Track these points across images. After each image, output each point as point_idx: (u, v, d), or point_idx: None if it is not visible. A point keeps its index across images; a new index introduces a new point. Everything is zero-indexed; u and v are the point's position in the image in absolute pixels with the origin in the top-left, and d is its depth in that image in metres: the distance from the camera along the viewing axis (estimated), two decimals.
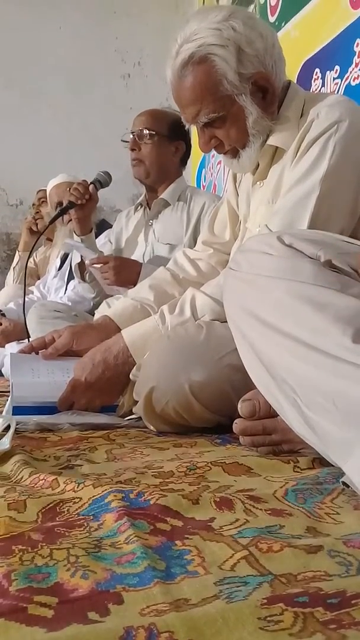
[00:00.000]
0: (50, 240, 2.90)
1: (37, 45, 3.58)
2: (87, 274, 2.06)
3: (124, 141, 1.98)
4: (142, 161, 1.95)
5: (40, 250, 3.05)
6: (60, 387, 1.20)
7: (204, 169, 3.35)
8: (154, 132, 1.92)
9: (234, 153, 1.21)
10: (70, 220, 2.21)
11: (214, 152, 1.25)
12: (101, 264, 1.85)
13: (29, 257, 2.03)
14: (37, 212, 2.97)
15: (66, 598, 0.44)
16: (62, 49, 3.61)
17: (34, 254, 3.03)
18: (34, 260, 3.03)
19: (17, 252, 3.09)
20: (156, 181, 2.01)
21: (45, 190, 2.66)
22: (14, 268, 3.05)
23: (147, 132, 1.92)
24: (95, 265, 1.86)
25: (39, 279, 2.85)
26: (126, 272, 1.80)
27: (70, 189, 1.96)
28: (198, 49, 1.12)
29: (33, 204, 3.04)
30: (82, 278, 2.11)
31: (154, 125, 1.93)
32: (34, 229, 2.98)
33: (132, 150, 1.95)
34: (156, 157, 1.95)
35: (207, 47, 1.11)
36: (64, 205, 1.97)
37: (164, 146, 1.95)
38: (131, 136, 1.96)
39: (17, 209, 3.67)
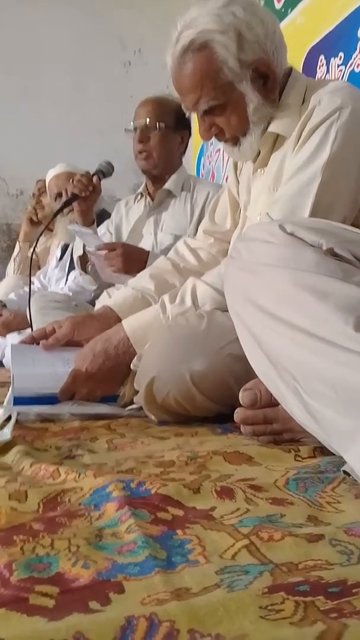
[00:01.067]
0: (50, 230, 2.89)
1: (36, 34, 3.55)
2: (89, 266, 2.05)
3: (127, 130, 1.96)
4: (150, 153, 1.93)
5: (40, 241, 3.04)
6: (61, 378, 1.20)
7: (203, 157, 3.33)
8: (162, 125, 1.90)
9: (235, 141, 1.20)
10: (71, 210, 2.20)
11: (213, 140, 1.24)
12: (108, 251, 1.82)
13: (33, 249, 2.01)
14: (37, 203, 2.96)
15: (67, 588, 0.44)
16: (62, 36, 3.58)
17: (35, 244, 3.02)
18: (34, 250, 3.02)
19: (17, 242, 3.08)
20: (163, 172, 1.99)
21: (44, 180, 2.65)
22: (14, 259, 3.04)
23: (156, 123, 1.89)
24: (100, 252, 1.83)
25: (39, 269, 2.85)
26: (134, 260, 1.77)
27: (73, 180, 1.94)
28: (198, 36, 1.10)
29: (33, 194, 3.03)
30: (84, 269, 2.10)
31: (161, 116, 1.90)
32: (34, 219, 2.97)
33: (140, 142, 1.92)
34: (164, 148, 1.93)
35: (207, 34, 1.10)
36: (68, 196, 1.95)
37: (170, 137, 1.93)
38: (132, 124, 1.93)
39: (17, 199, 3.66)
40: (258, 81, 1.14)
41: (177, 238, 1.89)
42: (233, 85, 1.13)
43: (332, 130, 1.08)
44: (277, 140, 1.20)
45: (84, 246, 1.97)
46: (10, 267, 3.06)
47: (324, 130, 1.08)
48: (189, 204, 1.99)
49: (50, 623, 0.39)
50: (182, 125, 1.94)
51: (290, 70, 1.22)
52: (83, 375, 1.19)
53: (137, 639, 0.37)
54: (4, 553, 0.50)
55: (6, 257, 3.41)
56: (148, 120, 1.91)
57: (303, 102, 1.16)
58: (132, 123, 1.96)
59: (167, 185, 2.01)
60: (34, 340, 1.33)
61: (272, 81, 1.15)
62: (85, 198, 1.92)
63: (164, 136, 1.92)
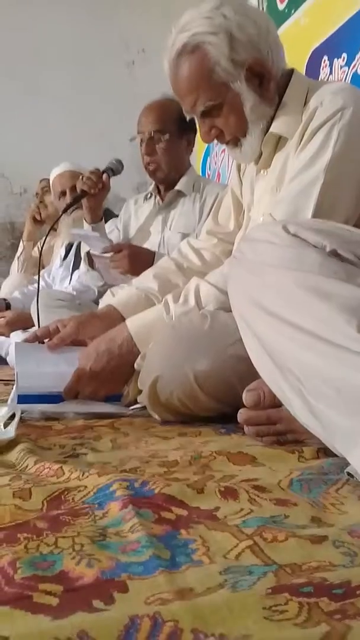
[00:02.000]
0: (54, 230, 2.89)
1: (40, 33, 3.56)
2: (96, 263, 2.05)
3: (131, 139, 1.96)
4: (158, 164, 1.93)
5: (43, 239, 3.04)
6: (65, 377, 1.20)
7: (208, 158, 3.33)
8: (167, 136, 1.89)
9: (236, 142, 1.20)
10: (75, 209, 2.20)
11: (215, 141, 1.25)
12: (113, 253, 1.82)
13: (41, 248, 2.01)
14: (41, 202, 2.96)
15: (71, 586, 0.44)
16: (65, 36, 3.58)
17: (38, 243, 3.03)
18: (38, 249, 3.03)
19: (21, 241, 3.09)
20: (173, 178, 2.00)
21: (48, 179, 2.65)
22: (18, 258, 3.04)
23: (161, 136, 1.89)
24: (106, 254, 1.83)
25: (43, 268, 2.85)
26: (140, 261, 1.77)
27: (83, 177, 1.94)
28: (190, 39, 1.13)
29: (36, 194, 3.03)
30: (91, 266, 2.09)
31: (164, 125, 1.90)
32: (38, 218, 2.97)
33: (147, 154, 1.92)
34: (171, 157, 1.93)
35: (199, 36, 1.12)
36: (78, 193, 1.95)
37: (177, 143, 1.93)
38: (137, 135, 1.93)
39: (21, 197, 3.66)
40: (253, 80, 1.15)
41: (184, 237, 1.89)
42: (228, 85, 1.15)
43: (334, 131, 1.08)
44: (279, 142, 1.20)
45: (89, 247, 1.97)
46: (14, 265, 3.06)
47: (326, 131, 1.08)
48: (198, 204, 1.98)
49: (54, 621, 0.39)
50: (187, 128, 1.93)
51: (291, 72, 1.22)
52: (87, 374, 1.20)
53: (140, 638, 0.37)
54: (8, 551, 0.50)
55: (10, 255, 3.42)
56: (152, 132, 1.90)
57: (305, 103, 1.17)
58: (137, 131, 1.95)
59: (178, 186, 2.01)
60: (37, 339, 1.34)
61: (267, 80, 1.16)
62: (95, 195, 1.92)
63: (170, 145, 1.92)
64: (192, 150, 2.05)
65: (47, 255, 3.00)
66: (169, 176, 1.98)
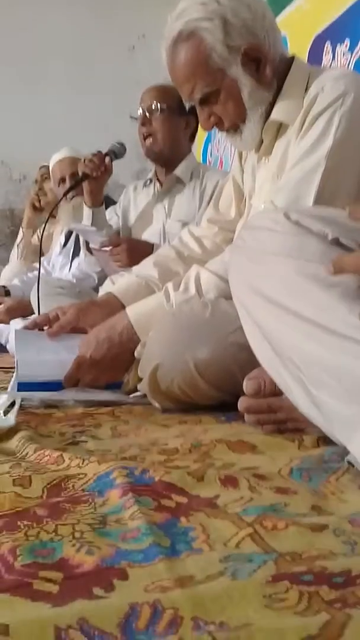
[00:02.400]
0: (53, 217, 2.88)
1: (40, 18, 3.51)
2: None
3: (132, 117, 1.94)
4: (154, 135, 1.91)
5: (43, 227, 3.03)
6: (65, 365, 1.20)
7: (210, 144, 3.31)
8: (164, 106, 1.88)
9: (235, 129, 1.20)
10: (74, 196, 2.18)
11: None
12: (112, 247, 1.81)
13: (42, 234, 1.99)
14: (40, 189, 2.94)
15: (71, 573, 0.45)
16: (65, 21, 3.54)
17: (38, 230, 3.02)
18: (37, 236, 3.01)
19: (20, 228, 3.07)
20: (168, 156, 1.97)
21: (47, 166, 2.63)
22: (17, 245, 3.03)
23: (158, 105, 1.88)
24: (105, 248, 1.82)
25: (42, 255, 2.84)
26: (139, 254, 1.76)
27: (85, 160, 1.92)
28: (185, 26, 1.13)
29: (36, 180, 3.01)
30: (90, 251, 2.08)
31: (163, 99, 1.88)
32: (37, 205, 2.96)
33: (143, 125, 1.91)
34: (168, 131, 1.91)
35: (194, 23, 1.12)
36: (79, 176, 1.93)
37: (174, 120, 1.91)
38: (140, 111, 1.92)
39: (20, 184, 3.64)
40: (250, 65, 1.14)
41: (185, 225, 1.88)
42: (224, 71, 1.14)
43: (335, 117, 1.07)
44: (280, 128, 1.19)
45: (87, 243, 1.95)
46: (14, 253, 3.05)
47: (328, 117, 1.08)
48: (198, 192, 1.97)
49: (54, 609, 0.39)
50: (187, 112, 1.91)
51: (292, 59, 1.21)
52: (87, 362, 1.20)
53: (140, 625, 0.37)
54: (9, 538, 0.51)
55: (9, 242, 3.40)
56: (151, 104, 1.89)
57: (306, 90, 1.16)
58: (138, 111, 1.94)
59: (176, 171, 1.99)
60: (36, 326, 1.33)
61: (264, 65, 1.15)
62: (96, 178, 1.90)
63: (166, 118, 1.90)
64: (192, 137, 2.03)
65: (46, 243, 2.98)
66: (164, 152, 1.94)
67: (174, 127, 1.93)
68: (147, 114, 1.90)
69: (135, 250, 1.76)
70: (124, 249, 1.77)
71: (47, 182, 2.84)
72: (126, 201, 2.15)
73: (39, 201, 2.95)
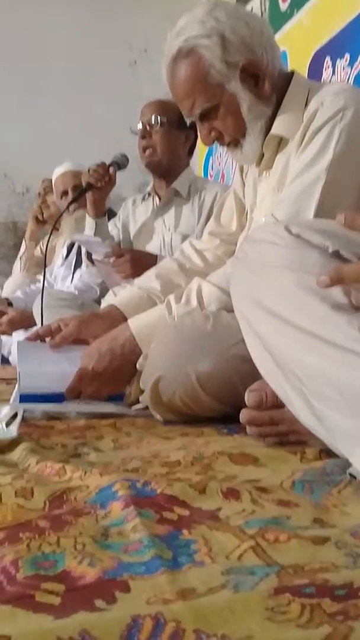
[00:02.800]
0: (56, 229, 2.90)
1: (42, 32, 3.56)
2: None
3: (133, 131, 1.96)
4: (154, 148, 1.93)
5: (46, 239, 3.04)
6: (68, 377, 1.20)
7: (211, 158, 3.33)
8: (164, 119, 1.90)
9: (236, 143, 1.21)
10: (77, 208, 2.19)
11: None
12: (115, 258, 1.81)
13: (46, 246, 2.00)
14: (43, 202, 2.96)
15: (73, 586, 0.44)
16: (67, 35, 3.58)
17: (41, 243, 3.03)
18: (40, 249, 3.03)
19: (23, 241, 3.09)
20: (167, 170, 1.99)
21: (50, 179, 2.65)
22: (20, 257, 3.05)
23: (159, 118, 1.90)
24: (108, 259, 1.83)
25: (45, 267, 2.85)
26: (142, 265, 1.76)
27: (89, 170, 1.94)
28: (185, 43, 1.15)
29: (39, 194, 3.03)
30: (92, 261, 2.09)
31: (164, 113, 1.90)
32: (40, 218, 2.98)
33: (143, 138, 1.93)
34: (167, 144, 1.93)
35: (192, 40, 1.14)
36: (83, 186, 1.95)
37: (174, 134, 1.93)
38: (140, 125, 1.94)
39: (23, 197, 3.66)
40: (249, 81, 1.16)
41: (185, 237, 1.89)
42: (223, 86, 1.16)
43: (335, 131, 1.08)
44: (280, 143, 1.21)
45: (89, 254, 1.96)
46: (17, 265, 3.06)
47: (328, 131, 1.09)
48: (197, 205, 1.98)
49: (56, 621, 0.39)
50: (186, 124, 1.93)
51: (292, 74, 1.23)
52: (89, 374, 1.20)
53: (142, 638, 0.37)
54: (10, 550, 0.50)
55: (12, 255, 3.42)
56: (152, 117, 1.91)
57: (306, 105, 1.17)
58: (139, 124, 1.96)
59: (175, 184, 2.00)
60: (38, 337, 1.34)
61: (263, 80, 1.17)
62: (100, 188, 1.92)
63: (166, 132, 1.92)
64: (191, 151, 2.04)
65: (49, 255, 3.00)
66: (163, 164, 1.96)
67: (174, 141, 1.95)
68: (147, 127, 1.92)
69: (139, 261, 1.77)
70: (128, 260, 1.77)
71: (49, 195, 2.86)
72: (125, 215, 2.16)
73: (42, 214, 2.97)
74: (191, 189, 2.02)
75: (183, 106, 1.21)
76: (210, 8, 1.16)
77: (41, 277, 2.65)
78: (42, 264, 2.92)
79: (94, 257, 1.92)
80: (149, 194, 2.10)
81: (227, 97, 1.16)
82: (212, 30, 1.13)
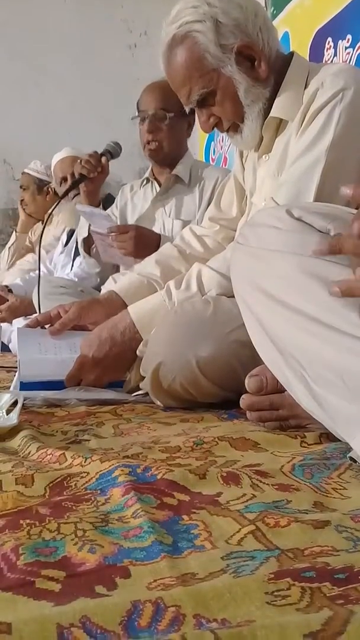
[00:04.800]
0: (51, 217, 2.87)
1: (41, 16, 3.51)
2: (93, 248, 2.03)
3: (134, 118, 1.93)
4: (160, 143, 1.89)
5: (39, 228, 3.01)
6: (68, 364, 1.20)
7: (212, 142, 3.30)
8: (172, 114, 1.85)
9: (235, 128, 1.20)
10: (76, 195, 2.17)
11: None
12: (119, 233, 1.79)
13: (41, 233, 1.98)
14: (22, 200, 2.94)
15: (74, 572, 0.45)
16: (67, 19, 3.54)
17: (30, 233, 3.02)
18: (29, 239, 3.01)
19: (14, 231, 3.07)
20: (172, 160, 1.97)
21: (27, 173, 2.63)
22: (8, 248, 3.03)
23: (166, 115, 1.86)
24: (110, 233, 1.80)
25: (41, 255, 2.83)
26: (145, 244, 1.73)
27: (81, 161, 1.92)
28: (179, 30, 1.14)
29: (21, 186, 3.01)
30: (88, 252, 2.08)
31: (169, 105, 1.84)
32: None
33: (150, 132, 1.88)
34: (173, 137, 1.90)
35: (186, 26, 1.14)
36: (76, 178, 1.93)
37: (179, 124, 1.90)
38: (137, 112, 1.90)
39: None
40: (244, 63, 1.15)
41: (185, 224, 1.87)
42: (219, 70, 1.15)
43: (335, 112, 1.07)
44: (280, 125, 1.19)
45: (89, 227, 1.94)
46: (4, 254, 3.04)
47: (328, 112, 1.07)
48: (197, 190, 1.96)
49: (56, 607, 0.39)
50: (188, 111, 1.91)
51: (291, 55, 1.21)
52: (90, 361, 1.20)
53: (143, 623, 0.37)
54: (11, 537, 0.51)
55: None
56: (156, 110, 1.87)
57: (306, 86, 1.16)
58: (136, 110, 1.92)
59: (176, 171, 1.98)
60: (38, 324, 1.33)
61: (259, 62, 1.15)
62: (93, 179, 1.90)
63: (173, 125, 1.88)
64: (190, 135, 2.02)
65: (36, 244, 2.99)
66: (168, 157, 1.94)
67: (178, 132, 1.92)
68: (153, 120, 1.87)
69: (142, 239, 1.74)
70: (132, 237, 1.74)
71: (26, 192, 2.86)
72: (122, 201, 2.13)
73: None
74: (192, 175, 1.99)
75: (181, 94, 1.20)
76: None
77: (41, 265, 2.64)
78: (32, 253, 2.91)
79: (93, 228, 1.89)
80: (147, 180, 2.08)
81: (224, 82, 1.15)
82: (205, 15, 1.13)
